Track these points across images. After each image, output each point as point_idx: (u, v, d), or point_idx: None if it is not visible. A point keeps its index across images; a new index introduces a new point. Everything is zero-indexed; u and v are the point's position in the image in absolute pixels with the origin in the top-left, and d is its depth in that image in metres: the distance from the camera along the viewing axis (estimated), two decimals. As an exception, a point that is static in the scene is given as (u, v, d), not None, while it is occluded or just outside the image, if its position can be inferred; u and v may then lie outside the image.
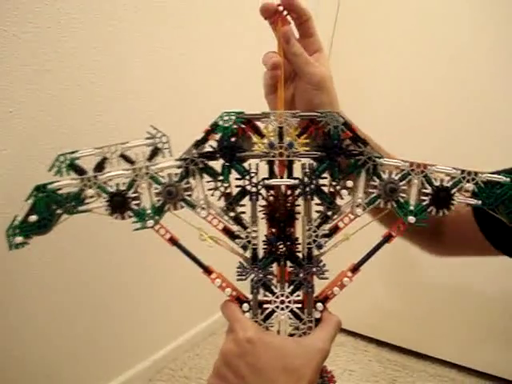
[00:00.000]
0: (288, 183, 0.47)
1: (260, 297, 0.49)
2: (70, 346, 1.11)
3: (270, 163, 0.48)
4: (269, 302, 0.48)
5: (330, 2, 1.61)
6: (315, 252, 0.48)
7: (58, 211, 0.47)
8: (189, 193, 0.48)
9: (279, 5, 0.48)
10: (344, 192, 0.48)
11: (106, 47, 1.03)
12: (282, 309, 0.48)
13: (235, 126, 0.46)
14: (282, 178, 0.48)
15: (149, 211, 0.47)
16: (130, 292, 1.26)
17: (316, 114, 0.47)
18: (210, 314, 1.54)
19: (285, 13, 0.48)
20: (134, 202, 0.47)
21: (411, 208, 0.47)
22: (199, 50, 1.29)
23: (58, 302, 1.04)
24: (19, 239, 0.47)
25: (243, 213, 0.49)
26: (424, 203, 0.47)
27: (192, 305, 1.29)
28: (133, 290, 1.26)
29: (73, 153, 0.48)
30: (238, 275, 0.48)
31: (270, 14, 0.48)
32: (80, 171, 0.48)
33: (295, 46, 0.48)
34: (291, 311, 0.49)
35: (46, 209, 0.47)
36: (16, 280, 0.91)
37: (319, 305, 0.49)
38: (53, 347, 1.07)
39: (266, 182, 0.47)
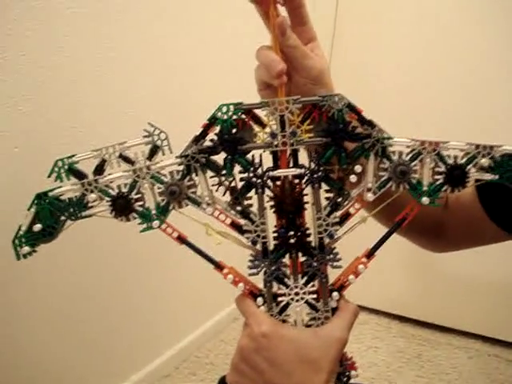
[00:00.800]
0: (294, 173, 0.46)
1: (274, 289, 0.48)
2: (97, 339, 1.12)
3: (274, 153, 0.46)
4: (283, 295, 0.47)
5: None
6: (327, 240, 0.46)
7: (62, 218, 0.46)
8: (193, 190, 0.46)
9: None
10: (353, 177, 0.46)
11: (110, 42, 1.02)
12: (297, 300, 0.47)
13: (234, 118, 0.45)
14: (287, 167, 0.46)
15: (154, 211, 0.46)
16: (153, 283, 1.27)
17: (318, 98, 0.44)
18: (232, 299, 1.53)
19: None
20: (138, 204, 0.46)
21: (425, 188, 0.45)
22: (196, 43, 1.27)
23: (81, 298, 1.06)
24: (26, 249, 0.46)
25: (250, 206, 0.47)
26: (438, 182, 0.45)
27: (214, 291, 1.29)
28: (155, 282, 1.27)
29: (71, 157, 0.47)
30: (250, 269, 0.47)
31: (260, 0, 0.45)
32: (80, 175, 0.47)
33: (291, 37, 0.45)
34: (306, 302, 0.47)
35: (50, 217, 0.46)
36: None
37: (335, 294, 0.47)
38: (77, 343, 1.08)
39: (271, 173, 0.45)
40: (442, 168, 0.45)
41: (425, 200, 0.45)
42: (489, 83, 1.41)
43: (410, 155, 0.45)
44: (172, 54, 1.20)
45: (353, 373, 0.49)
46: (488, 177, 0.45)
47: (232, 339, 1.56)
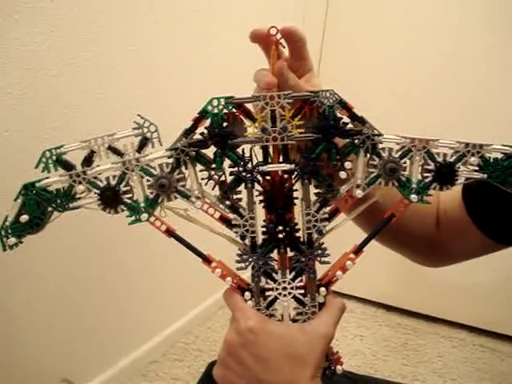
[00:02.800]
0: (284, 168, 0.46)
1: (262, 284, 0.48)
2: (84, 324, 1.13)
3: (265, 148, 0.46)
4: (271, 289, 0.47)
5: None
6: (316, 236, 0.47)
7: (49, 209, 0.46)
8: (182, 183, 0.46)
9: (272, 27, 0.44)
10: (343, 173, 0.46)
11: (105, 25, 1.01)
12: (285, 295, 0.47)
13: (225, 112, 0.44)
14: (277, 162, 0.46)
15: (142, 204, 0.46)
16: (141, 270, 1.27)
17: (309, 94, 0.44)
18: (220, 286, 1.54)
19: (278, 36, 0.45)
20: (127, 196, 0.46)
21: (413, 186, 0.45)
22: (188, 35, 1.26)
23: (69, 283, 1.05)
24: (12, 240, 0.46)
25: (240, 200, 0.47)
26: (427, 180, 0.45)
27: (202, 279, 1.29)
28: (143, 269, 1.27)
29: (59, 147, 0.46)
30: (238, 264, 0.47)
31: (261, 40, 0.45)
32: (68, 166, 0.46)
33: (290, 78, 0.46)
34: (294, 297, 0.48)
35: (37, 208, 0.45)
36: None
37: (322, 290, 0.47)
38: (66, 329, 1.08)
39: (261, 168, 0.45)
40: (431, 166, 0.45)
41: (413, 197, 0.45)
42: (483, 82, 1.43)
43: (400, 152, 0.45)
44: (165, 45, 1.19)
45: (338, 367, 0.49)
46: (477, 175, 0.45)
47: (219, 326, 1.57)
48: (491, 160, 0.45)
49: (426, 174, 0.45)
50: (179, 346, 1.46)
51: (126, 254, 1.20)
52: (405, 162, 0.45)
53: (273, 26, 0.44)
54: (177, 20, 1.21)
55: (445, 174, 0.45)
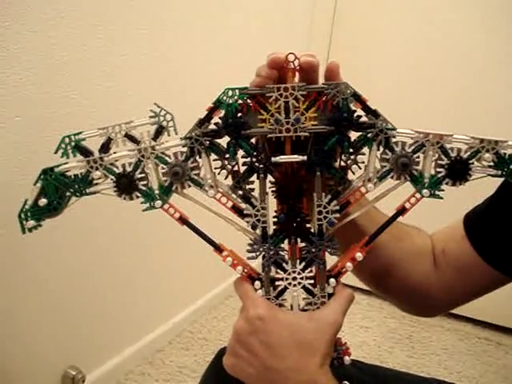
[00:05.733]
0: (296, 159, 0.46)
1: (272, 273, 0.49)
2: (91, 312, 1.14)
3: (277, 139, 0.46)
4: (281, 279, 0.48)
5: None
6: (326, 227, 0.47)
7: (67, 194, 0.47)
8: (196, 172, 0.47)
9: (290, 53, 0.44)
10: (355, 167, 0.46)
11: (117, 11, 1.01)
12: (295, 285, 0.48)
13: (239, 102, 0.45)
14: (289, 154, 0.47)
15: (156, 191, 0.47)
16: (148, 259, 1.28)
17: (323, 86, 0.44)
18: (226, 276, 1.56)
19: (296, 62, 0.44)
20: (142, 183, 0.47)
21: (426, 180, 0.46)
22: (203, 25, 1.26)
23: (77, 271, 1.07)
24: (31, 223, 0.47)
25: (252, 190, 0.48)
26: (439, 175, 0.45)
27: (208, 268, 1.31)
28: (150, 258, 1.29)
29: (78, 134, 0.47)
30: (249, 253, 0.48)
31: (279, 66, 0.45)
32: (86, 152, 0.47)
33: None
34: (304, 287, 0.48)
35: (55, 192, 0.46)
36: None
37: (332, 280, 0.48)
38: (73, 317, 1.10)
39: (274, 159, 0.46)
40: (445, 161, 0.45)
41: (425, 192, 0.46)
42: (490, 79, 1.42)
43: (413, 147, 0.45)
44: (179, 33, 1.19)
45: (346, 358, 0.50)
46: (490, 172, 0.45)
47: (225, 316, 1.58)
48: (506, 156, 0.45)
49: (438, 170, 0.46)
50: (185, 335, 1.47)
51: (133, 243, 1.21)
52: (418, 157, 0.46)
53: (291, 53, 0.44)
54: (191, 7, 1.21)
55: (458, 169, 0.45)
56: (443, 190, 0.46)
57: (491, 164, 0.45)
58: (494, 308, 1.55)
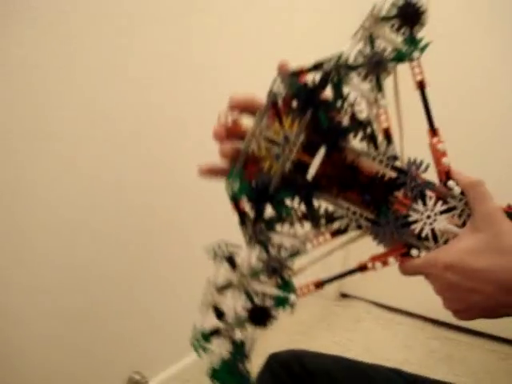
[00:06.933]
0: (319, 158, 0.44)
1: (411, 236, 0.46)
2: (152, 323, 1.20)
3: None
4: (417, 221, 0.45)
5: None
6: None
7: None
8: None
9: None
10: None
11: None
12: (434, 220, 0.45)
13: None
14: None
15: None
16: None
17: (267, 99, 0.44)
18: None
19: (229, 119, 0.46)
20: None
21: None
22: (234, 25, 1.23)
23: (140, 280, 1.13)
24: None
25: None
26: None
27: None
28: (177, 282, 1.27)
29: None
30: (376, 239, 0.47)
31: (232, 130, 0.46)
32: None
33: None
34: (441, 213, 0.45)
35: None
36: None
37: (451, 183, 0.45)
38: (136, 323, 1.16)
39: (309, 175, 0.44)
40: None
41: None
42: (491, 83, 1.46)
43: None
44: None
45: None
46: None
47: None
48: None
49: None
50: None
51: (167, 270, 1.22)
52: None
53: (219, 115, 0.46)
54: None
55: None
56: None
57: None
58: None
